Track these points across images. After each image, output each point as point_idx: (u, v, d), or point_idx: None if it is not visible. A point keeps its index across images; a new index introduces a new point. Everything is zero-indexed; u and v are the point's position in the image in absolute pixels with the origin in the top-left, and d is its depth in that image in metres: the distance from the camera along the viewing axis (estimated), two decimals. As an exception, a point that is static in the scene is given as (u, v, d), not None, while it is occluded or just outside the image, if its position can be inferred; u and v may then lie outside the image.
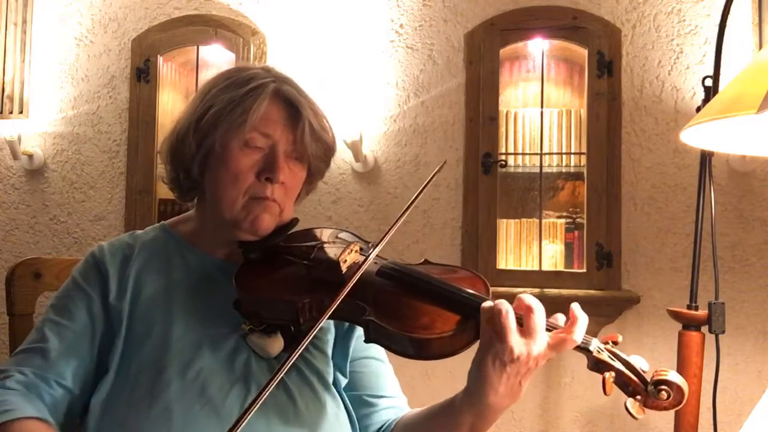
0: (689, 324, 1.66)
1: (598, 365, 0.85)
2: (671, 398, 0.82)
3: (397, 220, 0.93)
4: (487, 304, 0.83)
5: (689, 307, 1.69)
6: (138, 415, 0.89)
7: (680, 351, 1.63)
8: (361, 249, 0.99)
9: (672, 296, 2.27)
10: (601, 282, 2.29)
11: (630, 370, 0.84)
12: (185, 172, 1.03)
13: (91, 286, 0.99)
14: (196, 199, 1.08)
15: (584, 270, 2.32)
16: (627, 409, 0.82)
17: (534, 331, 0.81)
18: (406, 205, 0.94)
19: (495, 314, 0.81)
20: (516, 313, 0.82)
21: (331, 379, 1.01)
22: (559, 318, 0.86)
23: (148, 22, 2.74)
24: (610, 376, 0.83)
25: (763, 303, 2.24)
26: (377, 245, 0.92)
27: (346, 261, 0.93)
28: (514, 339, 0.80)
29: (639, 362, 0.85)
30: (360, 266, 0.88)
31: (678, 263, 2.29)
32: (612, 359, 0.84)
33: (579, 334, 0.82)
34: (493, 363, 0.82)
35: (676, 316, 1.68)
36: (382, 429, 1.05)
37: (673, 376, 0.82)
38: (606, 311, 2.28)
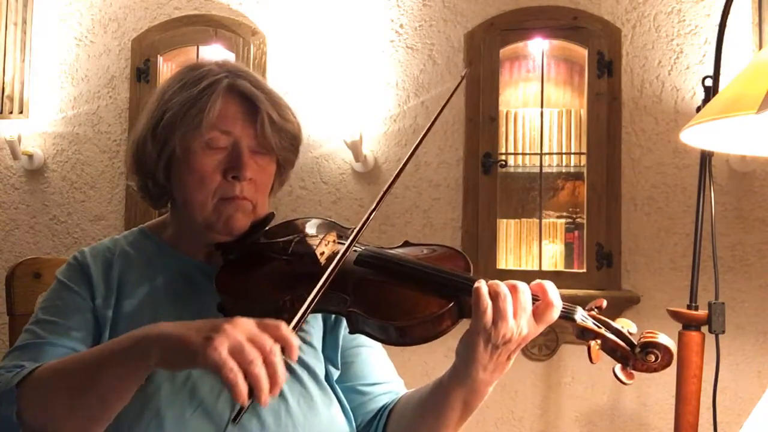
0: (689, 324, 1.66)
1: (583, 333, 0.84)
2: (660, 360, 0.81)
3: (390, 184, 0.92)
4: (482, 287, 0.81)
5: (689, 307, 1.69)
6: (129, 422, 0.87)
7: (680, 351, 1.63)
8: (339, 237, 0.96)
9: (672, 296, 2.27)
10: (601, 282, 2.29)
11: (617, 335, 0.83)
12: (152, 180, 1.01)
13: (79, 287, 0.98)
14: (169, 204, 1.06)
15: (584, 270, 2.32)
16: (615, 374, 0.82)
17: (524, 310, 0.80)
18: (417, 142, 0.94)
19: (493, 297, 0.80)
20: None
21: (321, 373, 1.01)
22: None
23: (148, 22, 2.74)
24: (595, 343, 0.82)
25: (763, 303, 2.24)
26: (360, 230, 0.90)
27: (323, 253, 0.91)
28: (510, 321, 0.80)
29: (626, 325, 0.84)
30: (340, 258, 0.85)
31: (678, 263, 2.29)
32: (597, 326, 0.84)
33: (554, 298, 0.82)
34: (485, 345, 0.81)
35: (676, 316, 1.68)
36: (378, 415, 1.04)
37: (661, 338, 0.82)
38: (606, 311, 2.27)
